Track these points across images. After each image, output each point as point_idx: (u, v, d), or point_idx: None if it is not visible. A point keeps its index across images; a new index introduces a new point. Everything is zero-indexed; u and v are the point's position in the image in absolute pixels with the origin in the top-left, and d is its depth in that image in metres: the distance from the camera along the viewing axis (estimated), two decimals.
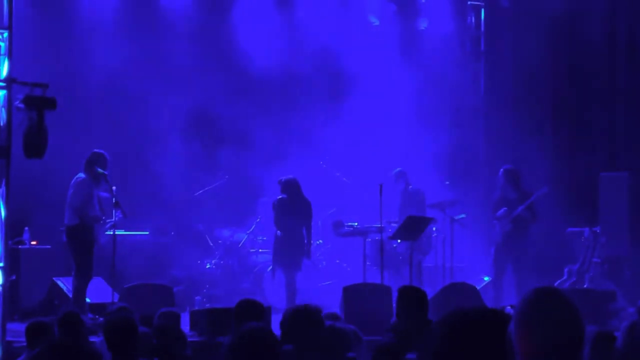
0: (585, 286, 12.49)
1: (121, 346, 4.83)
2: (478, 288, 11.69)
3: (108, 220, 11.36)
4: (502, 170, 12.79)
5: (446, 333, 2.14)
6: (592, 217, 13.60)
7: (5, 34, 7.84)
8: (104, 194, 11.14)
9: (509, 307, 8.05)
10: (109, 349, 4.92)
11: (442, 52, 15.55)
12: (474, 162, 16.05)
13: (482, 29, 16.28)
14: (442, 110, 15.27)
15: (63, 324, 6.99)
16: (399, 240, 12.67)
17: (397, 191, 13.35)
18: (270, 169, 13.32)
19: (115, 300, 10.42)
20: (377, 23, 15.60)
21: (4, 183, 7.69)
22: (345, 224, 13.32)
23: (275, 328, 6.18)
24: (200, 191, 13.95)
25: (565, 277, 12.83)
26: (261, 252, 13.62)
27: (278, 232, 12.20)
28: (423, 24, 15.92)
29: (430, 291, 11.39)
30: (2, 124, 7.73)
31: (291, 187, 12.12)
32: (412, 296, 6.62)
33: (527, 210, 12.50)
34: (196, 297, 13.01)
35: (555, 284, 12.65)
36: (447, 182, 14.04)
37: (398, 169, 13.50)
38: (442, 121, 15.15)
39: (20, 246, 11.84)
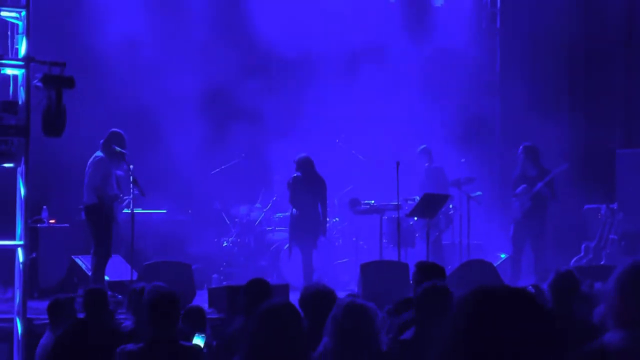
0: (602, 263, 12.47)
1: (165, 320, 4.77)
2: (495, 265, 11.70)
3: (126, 198, 11.40)
4: (521, 147, 12.78)
5: (471, 310, 2.11)
6: (609, 193, 13.58)
7: (23, 13, 7.84)
8: (121, 172, 11.19)
9: (530, 287, 8.04)
10: (152, 325, 4.84)
11: (458, 29, 15.48)
12: (490, 139, 16.03)
13: (498, 5, 16.20)
14: (458, 87, 15.24)
15: (89, 300, 7.02)
16: (415, 218, 12.67)
17: (420, 168, 13.38)
18: (286, 147, 13.33)
19: (134, 278, 10.49)
20: (393, 0, 15.54)
21: (23, 162, 7.71)
22: (362, 201, 13.32)
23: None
24: (217, 169, 13.98)
25: (582, 254, 12.82)
26: (278, 230, 13.65)
27: (294, 210, 12.22)
28: (439, 1, 15.84)
29: (448, 268, 11.41)
30: (20, 103, 7.75)
31: (305, 165, 12.12)
32: (429, 271, 6.61)
33: (547, 187, 12.49)
34: (213, 275, 13.07)
35: (572, 260, 12.65)
36: (463, 160, 14.03)
37: (423, 145, 13.52)
38: (457, 98, 15.12)
39: (38, 225, 11.90)
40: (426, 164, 13.42)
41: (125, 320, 7.73)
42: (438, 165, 13.48)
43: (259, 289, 6.66)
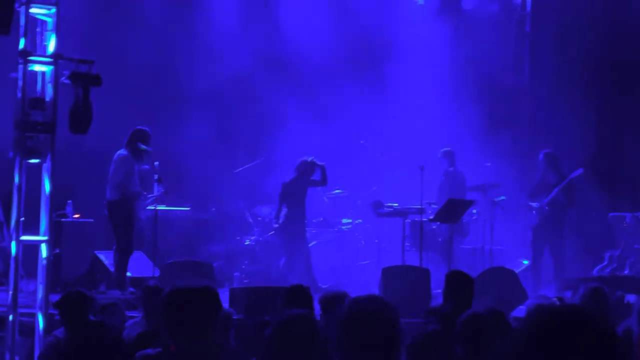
0: (625, 272, 12.36)
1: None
2: (517, 271, 11.61)
3: (149, 195, 11.44)
4: (542, 154, 12.65)
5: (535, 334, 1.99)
6: (635, 201, 13.45)
7: (53, 10, 7.89)
8: (146, 167, 11.23)
9: (554, 299, 7.95)
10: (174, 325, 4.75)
11: (487, 32, 15.41)
12: (516, 144, 15.93)
13: (528, 9, 16.11)
14: (486, 91, 15.15)
15: (65, 308, 6.94)
16: (438, 222, 12.63)
17: (440, 170, 13.27)
18: (310, 147, 13.35)
19: (156, 274, 10.53)
20: (421, 2, 15.49)
21: (49, 158, 7.76)
22: (385, 204, 13.29)
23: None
24: (241, 168, 14.01)
25: (606, 263, 12.70)
26: None
27: (292, 211, 12.47)
28: (468, 4, 15.79)
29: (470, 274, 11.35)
30: (48, 100, 7.80)
31: (303, 167, 12.47)
32: (461, 281, 6.62)
33: (562, 193, 12.32)
34: (235, 273, 13.10)
35: (596, 269, 12.55)
36: (489, 164, 13.94)
37: (447, 148, 13.40)
38: (485, 103, 15.04)
39: (63, 219, 11.96)
40: (448, 168, 13.26)
41: (130, 319, 7.69)
42: (459, 170, 13.34)
43: (298, 296, 6.62)
